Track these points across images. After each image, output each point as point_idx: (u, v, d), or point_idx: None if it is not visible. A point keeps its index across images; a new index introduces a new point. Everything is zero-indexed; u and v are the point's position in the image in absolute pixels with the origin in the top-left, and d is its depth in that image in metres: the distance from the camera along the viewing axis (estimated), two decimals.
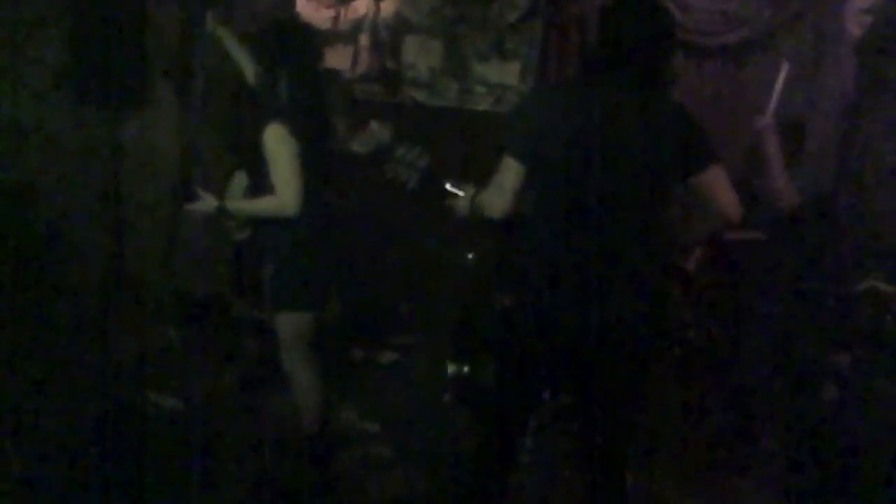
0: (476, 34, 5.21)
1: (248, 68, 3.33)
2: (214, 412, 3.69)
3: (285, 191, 2.91)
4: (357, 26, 5.13)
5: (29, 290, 3.71)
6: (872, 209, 4.35)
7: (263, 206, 3.00)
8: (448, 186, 2.77)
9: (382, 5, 5.19)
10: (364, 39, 5.13)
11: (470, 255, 4.13)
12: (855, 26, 4.67)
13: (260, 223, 3.09)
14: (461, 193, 2.72)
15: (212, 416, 3.66)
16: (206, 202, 3.06)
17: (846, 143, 4.64)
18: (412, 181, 2.73)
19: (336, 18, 5.11)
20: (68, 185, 3.84)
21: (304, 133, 2.95)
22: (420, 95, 5.22)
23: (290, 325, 3.13)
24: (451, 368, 3.96)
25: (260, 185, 3.03)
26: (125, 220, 3.52)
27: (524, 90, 5.12)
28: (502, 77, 5.25)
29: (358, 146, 3.60)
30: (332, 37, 5.08)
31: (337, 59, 5.10)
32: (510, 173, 2.48)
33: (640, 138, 2.40)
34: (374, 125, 3.61)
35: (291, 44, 3.07)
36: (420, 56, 5.22)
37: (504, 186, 2.49)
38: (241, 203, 3.10)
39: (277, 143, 2.90)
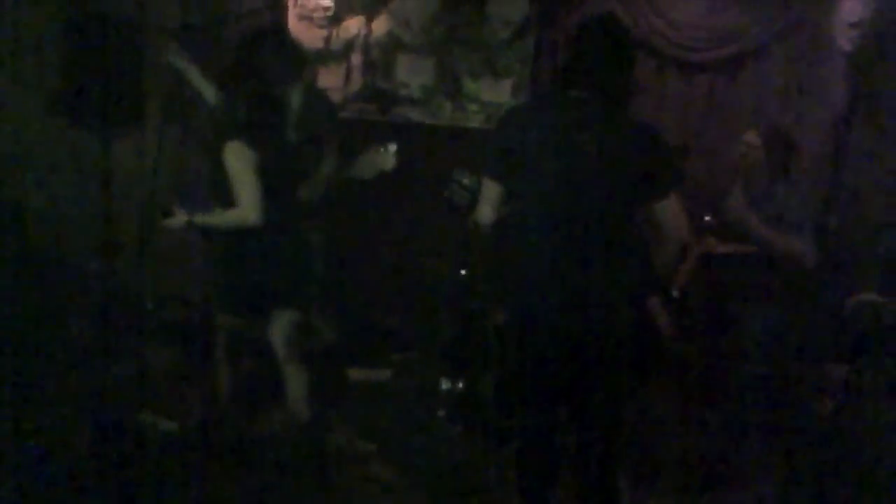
0: (468, 52, 5.24)
1: (209, 93, 3.56)
2: (209, 433, 3.66)
3: (246, 203, 3.10)
4: (349, 45, 5.16)
5: (21, 311, 3.71)
6: (864, 220, 4.37)
7: (227, 218, 3.18)
8: (456, 174, 3.21)
9: (374, 24, 5.22)
10: (356, 59, 5.16)
11: (462, 272, 4.13)
12: (844, 40, 4.71)
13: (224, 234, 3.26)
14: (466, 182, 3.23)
15: (207, 438, 3.64)
16: (178, 218, 3.23)
17: (837, 156, 4.67)
18: (465, 204, 3.13)
19: (328, 38, 5.13)
20: (61, 205, 3.84)
21: (262, 148, 3.15)
22: (413, 114, 5.24)
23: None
24: (444, 385, 3.96)
25: (225, 198, 3.19)
26: (118, 240, 3.52)
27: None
28: (495, 95, 5.27)
29: (360, 172, 3.80)
30: (325, 56, 5.10)
31: (329, 78, 5.12)
32: (490, 192, 2.72)
33: (602, 156, 2.52)
34: (375, 152, 3.78)
35: (255, 65, 3.40)
36: (412, 75, 5.24)
37: (487, 202, 2.73)
38: (207, 217, 3.24)
39: (237, 159, 3.10)
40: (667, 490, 3.43)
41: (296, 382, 3.42)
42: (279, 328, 3.39)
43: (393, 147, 3.79)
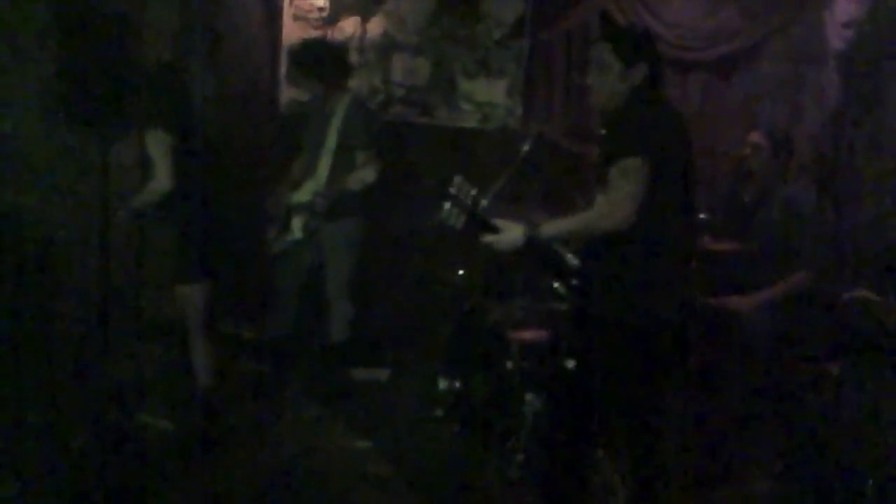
0: (462, 52, 5.25)
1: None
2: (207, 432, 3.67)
3: (159, 173, 3.52)
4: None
5: (17, 313, 3.70)
6: (858, 219, 4.39)
7: (150, 189, 3.56)
8: (452, 190, 2.81)
9: (369, 25, 5.23)
10: (352, 59, 5.16)
11: (461, 272, 4.14)
12: (837, 40, 4.73)
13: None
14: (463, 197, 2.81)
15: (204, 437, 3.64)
16: (121, 212, 3.60)
17: (830, 156, 4.69)
18: (460, 222, 2.80)
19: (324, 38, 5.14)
20: (57, 208, 3.83)
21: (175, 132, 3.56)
22: (408, 114, 5.25)
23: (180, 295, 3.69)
24: (442, 384, 3.96)
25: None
26: (114, 242, 3.52)
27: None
28: (489, 94, 5.28)
29: (352, 185, 4.09)
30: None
31: None
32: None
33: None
34: (362, 169, 4.08)
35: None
36: (407, 75, 5.25)
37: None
38: (138, 197, 3.61)
39: (153, 142, 3.54)
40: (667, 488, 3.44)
41: (199, 353, 3.69)
42: (189, 298, 3.66)
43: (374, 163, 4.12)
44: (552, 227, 2.69)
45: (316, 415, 4.07)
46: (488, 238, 2.74)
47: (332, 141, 4.12)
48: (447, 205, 2.78)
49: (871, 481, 3.07)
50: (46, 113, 3.68)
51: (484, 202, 2.83)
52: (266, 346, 4.36)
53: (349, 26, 5.19)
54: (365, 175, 4.10)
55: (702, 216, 3.80)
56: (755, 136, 3.78)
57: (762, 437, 3.57)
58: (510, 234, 2.71)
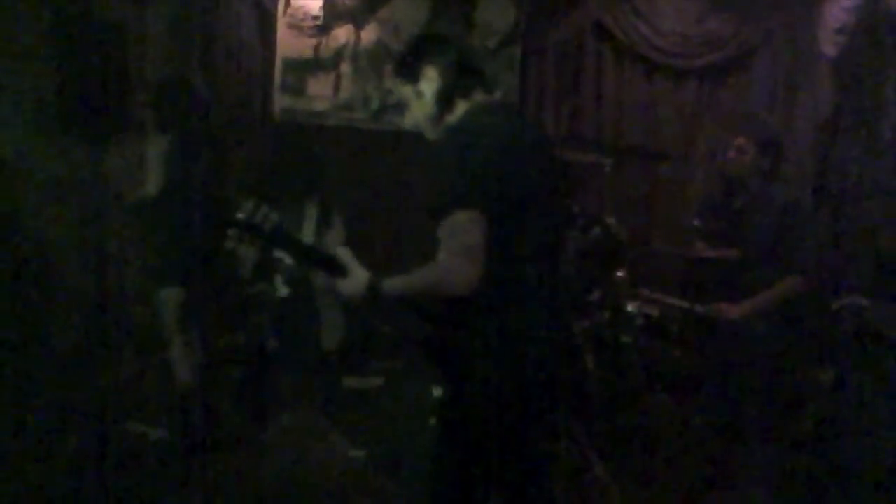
0: None
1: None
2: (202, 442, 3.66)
3: (150, 179, 3.64)
4: (339, 54, 5.17)
5: (11, 320, 3.69)
6: (850, 223, 4.40)
7: (138, 194, 3.69)
8: (240, 216, 2.23)
9: (363, 33, 5.23)
10: (346, 67, 5.18)
11: None
12: (829, 46, 4.75)
13: None
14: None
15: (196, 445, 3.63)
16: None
17: (822, 161, 4.70)
18: (251, 254, 2.31)
19: (318, 47, 5.15)
20: (51, 215, 3.83)
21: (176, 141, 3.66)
22: (402, 122, 5.25)
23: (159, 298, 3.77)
24: (436, 392, 3.95)
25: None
26: (108, 249, 3.53)
27: None
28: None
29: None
30: (314, 65, 5.12)
31: (319, 87, 5.14)
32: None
33: None
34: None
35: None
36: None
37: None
38: (132, 205, 3.74)
39: (154, 148, 3.65)
40: (661, 494, 3.44)
41: (177, 354, 3.79)
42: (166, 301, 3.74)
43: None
44: (395, 283, 2.24)
45: (308, 422, 4.06)
46: (335, 281, 2.28)
47: (310, 237, 4.05)
48: (231, 232, 2.24)
49: (866, 486, 3.08)
50: (43, 120, 3.69)
51: (275, 220, 2.25)
52: (253, 352, 4.35)
53: (343, 34, 5.20)
54: (341, 238, 4.10)
55: (695, 223, 3.81)
56: (740, 140, 3.79)
57: (756, 444, 3.57)
58: (353, 280, 2.25)
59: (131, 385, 3.97)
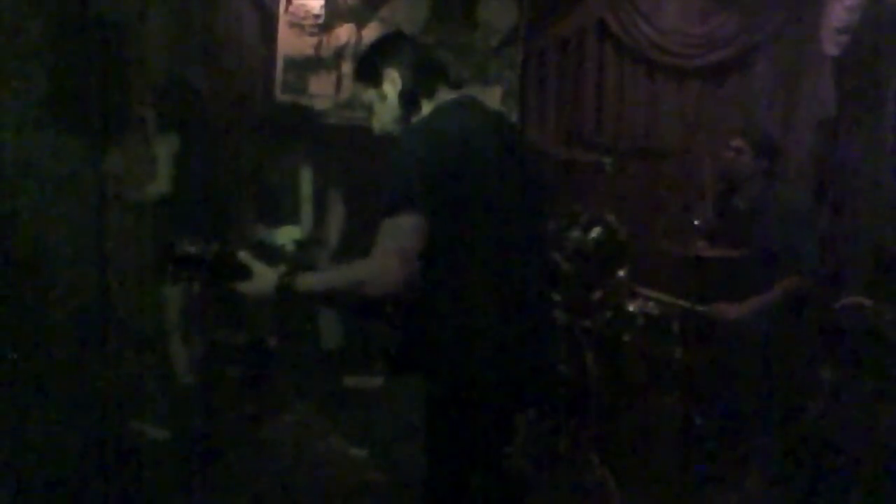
0: (457, 60, 5.25)
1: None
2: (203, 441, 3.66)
3: (161, 176, 3.67)
4: (339, 53, 5.16)
5: (10, 321, 3.69)
6: (852, 224, 4.39)
7: (149, 191, 3.66)
8: (178, 251, 2.15)
9: (365, 32, 5.23)
10: (346, 66, 5.17)
11: None
12: (831, 46, 4.73)
13: None
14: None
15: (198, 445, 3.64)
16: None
17: (824, 161, 4.69)
18: (197, 283, 2.22)
19: (318, 46, 5.14)
20: (49, 215, 3.83)
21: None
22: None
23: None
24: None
25: None
26: (107, 250, 3.53)
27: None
28: (484, 102, 5.27)
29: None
30: (315, 64, 5.11)
31: (320, 86, 5.13)
32: None
33: None
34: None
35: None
36: None
37: None
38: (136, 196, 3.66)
39: (163, 146, 3.67)
40: (659, 491, 3.44)
41: (175, 351, 3.83)
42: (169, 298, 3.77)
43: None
44: (310, 280, 2.17)
45: (308, 421, 4.06)
46: (237, 285, 2.17)
47: (307, 186, 4.11)
48: (171, 268, 2.16)
49: (867, 486, 3.07)
50: (42, 119, 3.69)
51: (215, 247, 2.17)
52: (251, 351, 4.35)
53: (344, 33, 5.19)
54: (341, 217, 4.12)
55: (695, 222, 3.80)
56: (737, 141, 3.80)
57: (757, 443, 3.57)
58: (259, 280, 2.16)
59: (131, 385, 3.97)
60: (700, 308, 3.66)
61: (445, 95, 2.32)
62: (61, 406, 3.62)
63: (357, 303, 2.32)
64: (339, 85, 5.18)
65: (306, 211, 4.11)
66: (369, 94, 2.35)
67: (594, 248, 3.79)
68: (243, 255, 2.20)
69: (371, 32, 5.20)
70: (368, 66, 2.35)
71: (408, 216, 2.04)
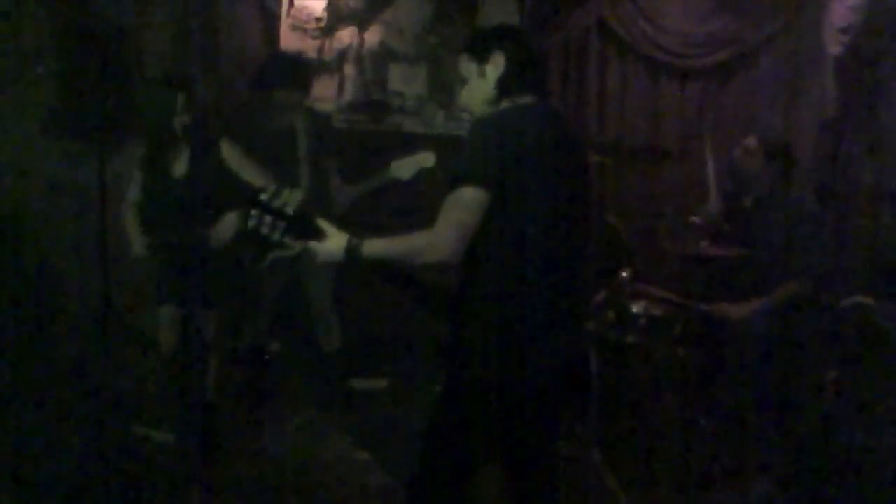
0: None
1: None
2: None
3: (133, 186, 3.61)
4: (342, 56, 5.18)
5: (17, 326, 3.71)
6: (855, 223, 4.38)
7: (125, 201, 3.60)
8: (263, 197, 2.31)
9: (367, 35, 5.24)
10: (349, 69, 5.18)
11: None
12: (834, 45, 4.73)
13: None
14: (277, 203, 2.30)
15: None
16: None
17: (826, 160, 4.68)
18: (278, 232, 2.30)
19: (321, 49, 5.15)
20: (56, 221, 3.85)
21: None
22: (406, 123, 5.26)
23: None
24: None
25: None
26: (113, 255, 3.53)
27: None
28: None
29: (400, 173, 4.08)
30: (318, 67, 5.12)
31: (322, 89, 5.14)
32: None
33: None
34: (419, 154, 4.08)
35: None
36: (405, 84, 5.26)
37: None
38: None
39: (131, 156, 3.58)
40: (664, 491, 3.44)
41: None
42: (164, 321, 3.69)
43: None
44: (375, 246, 2.30)
45: (312, 424, 4.07)
46: (310, 244, 2.32)
47: (303, 152, 4.09)
48: (254, 212, 2.29)
49: (869, 486, 3.07)
50: (45, 122, 3.71)
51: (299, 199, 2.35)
52: (250, 355, 4.36)
53: (346, 36, 5.20)
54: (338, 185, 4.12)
55: (695, 219, 3.79)
56: (750, 140, 3.77)
57: (760, 444, 3.56)
58: (331, 243, 2.31)
59: (135, 388, 3.98)
60: (703, 308, 3.66)
61: (528, 99, 2.39)
62: (64, 409, 3.63)
63: (409, 277, 2.43)
64: (341, 88, 5.18)
65: (304, 174, 4.11)
66: (470, 68, 2.43)
67: (597, 248, 3.79)
68: (321, 221, 2.33)
69: (373, 35, 5.22)
70: (480, 42, 2.44)
71: (470, 189, 2.16)
